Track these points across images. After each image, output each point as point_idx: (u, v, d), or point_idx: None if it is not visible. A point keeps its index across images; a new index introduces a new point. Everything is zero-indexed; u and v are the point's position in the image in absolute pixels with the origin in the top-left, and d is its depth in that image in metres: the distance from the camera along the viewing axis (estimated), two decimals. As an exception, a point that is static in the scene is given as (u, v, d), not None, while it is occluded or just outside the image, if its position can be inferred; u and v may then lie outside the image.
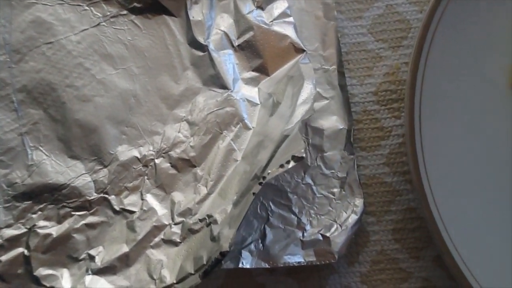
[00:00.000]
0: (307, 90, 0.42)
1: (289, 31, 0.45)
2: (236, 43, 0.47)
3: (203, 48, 0.47)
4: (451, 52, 0.45)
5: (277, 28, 0.45)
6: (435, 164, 0.43)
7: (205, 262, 0.39)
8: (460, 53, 0.46)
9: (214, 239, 0.40)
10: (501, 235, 0.44)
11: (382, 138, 0.48)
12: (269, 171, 0.38)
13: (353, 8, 0.50)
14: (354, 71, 0.50)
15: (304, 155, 0.37)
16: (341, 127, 0.47)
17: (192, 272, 0.40)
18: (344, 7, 0.50)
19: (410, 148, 0.43)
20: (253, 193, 0.38)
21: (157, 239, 0.43)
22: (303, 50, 0.44)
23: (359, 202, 0.46)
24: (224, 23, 0.47)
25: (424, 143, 0.43)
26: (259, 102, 0.45)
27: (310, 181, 0.47)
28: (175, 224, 0.43)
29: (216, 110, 0.45)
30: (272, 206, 0.46)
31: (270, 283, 0.46)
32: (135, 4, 0.48)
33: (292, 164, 0.37)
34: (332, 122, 0.48)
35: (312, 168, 0.47)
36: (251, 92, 0.45)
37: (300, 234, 0.45)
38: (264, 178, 0.38)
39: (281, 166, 0.37)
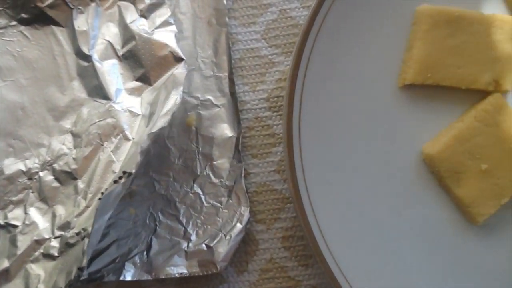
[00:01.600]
0: (172, 101, 0.41)
1: (169, 40, 0.44)
2: (120, 53, 0.46)
3: (87, 58, 0.46)
4: (333, 57, 0.44)
5: (157, 37, 0.45)
6: (313, 171, 0.43)
7: (72, 277, 0.39)
8: (343, 57, 0.45)
9: (84, 253, 0.40)
10: (376, 240, 0.43)
11: (273, 144, 0.48)
12: (106, 187, 0.38)
13: (247, 13, 0.50)
14: (247, 78, 0.49)
15: (133, 170, 0.36)
16: (231, 135, 0.47)
17: (63, 287, 0.40)
18: (238, 13, 0.50)
19: (287, 154, 0.42)
20: (97, 209, 0.38)
21: (37, 254, 0.43)
22: (182, 59, 0.44)
23: (244, 211, 0.45)
24: (109, 32, 0.47)
25: (303, 148, 0.43)
26: (140, 113, 0.44)
27: (199, 190, 0.47)
28: (55, 238, 0.43)
29: (98, 121, 0.45)
30: (161, 217, 0.46)
31: (161, 294, 0.46)
32: (23, 14, 0.48)
33: (124, 179, 0.37)
34: (222, 130, 0.47)
35: (201, 177, 0.47)
36: (134, 103, 0.45)
37: (185, 244, 0.45)
38: (102, 193, 0.38)
39: (115, 181, 0.37)
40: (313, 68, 0.44)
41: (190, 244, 0.45)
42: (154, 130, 0.40)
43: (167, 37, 0.44)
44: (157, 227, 0.46)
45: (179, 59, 0.44)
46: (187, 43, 0.49)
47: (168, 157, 0.47)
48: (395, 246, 0.43)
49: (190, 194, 0.46)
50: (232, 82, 0.48)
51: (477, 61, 0.44)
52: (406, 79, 0.45)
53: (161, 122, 0.40)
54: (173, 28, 0.45)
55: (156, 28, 0.45)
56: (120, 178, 0.37)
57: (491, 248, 0.44)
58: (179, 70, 0.43)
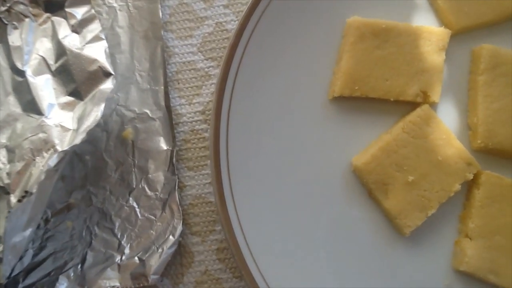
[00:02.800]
0: (92, 118, 0.42)
1: (99, 55, 0.45)
2: (53, 68, 0.47)
3: (21, 73, 0.47)
4: (262, 69, 0.45)
5: (88, 52, 0.45)
6: (240, 184, 0.43)
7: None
8: (273, 69, 0.45)
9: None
10: (305, 253, 0.44)
11: (209, 157, 0.48)
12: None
13: (184, 26, 0.50)
14: (184, 91, 0.49)
15: (34, 190, 0.37)
16: (166, 148, 0.47)
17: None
18: (175, 26, 0.50)
19: (213, 167, 0.43)
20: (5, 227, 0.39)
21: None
22: (111, 74, 0.44)
23: (177, 223, 0.46)
24: (43, 47, 0.47)
25: (231, 161, 0.43)
26: (71, 128, 0.45)
27: (134, 203, 0.47)
28: (-12, 252, 0.44)
29: (31, 136, 0.45)
30: (97, 230, 0.47)
31: (97, 306, 0.47)
32: (-38, 30, 0.48)
33: (26, 199, 0.38)
34: (158, 143, 0.48)
35: (137, 190, 0.47)
36: (66, 117, 0.45)
37: (119, 258, 0.45)
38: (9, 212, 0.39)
39: (19, 200, 0.38)
40: (242, 80, 0.44)
41: (124, 257, 0.45)
42: (66, 148, 0.40)
43: (97, 52, 0.45)
44: (93, 240, 0.46)
45: (107, 74, 0.44)
46: (125, 57, 0.50)
47: (105, 170, 0.48)
48: (324, 258, 0.44)
49: (126, 207, 0.47)
50: (167, 95, 0.48)
51: (404, 72, 0.45)
52: (334, 91, 0.45)
53: (78, 139, 0.40)
54: (104, 43, 0.45)
55: (87, 43, 0.46)
56: (23, 197, 0.37)
57: (420, 259, 0.44)
58: (105, 86, 0.43)
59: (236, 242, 0.42)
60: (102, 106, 0.42)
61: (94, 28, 0.46)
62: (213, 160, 0.42)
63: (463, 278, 0.44)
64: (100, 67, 0.45)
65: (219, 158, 0.43)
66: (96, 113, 0.42)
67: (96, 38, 0.46)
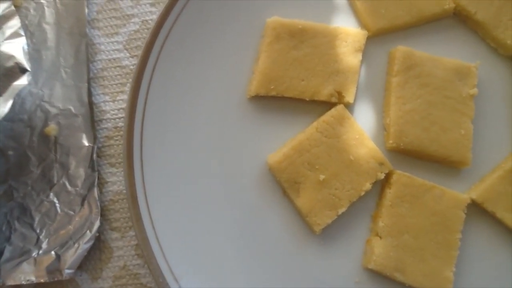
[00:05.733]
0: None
1: (16, 51, 0.45)
2: (-30, 66, 0.47)
3: None
4: (180, 67, 0.45)
5: (5, 48, 0.45)
6: (154, 184, 0.44)
7: None
8: (191, 68, 0.46)
9: None
10: (218, 252, 0.44)
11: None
12: None
13: (110, 24, 0.51)
14: (108, 88, 0.50)
15: None
16: (87, 145, 0.48)
17: None
18: (102, 23, 0.51)
19: (126, 167, 0.43)
20: None
21: None
22: (26, 70, 0.44)
23: (95, 219, 0.46)
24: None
25: (145, 160, 0.44)
26: (-15, 123, 0.45)
27: (54, 199, 0.47)
28: None
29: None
30: (17, 224, 0.47)
31: (16, 301, 0.47)
32: None
33: None
34: (80, 139, 0.48)
35: (58, 186, 0.48)
36: (-17, 115, 0.46)
37: (36, 252, 0.46)
38: None
39: None
40: (159, 77, 0.44)
41: (40, 252, 0.45)
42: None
43: (14, 48, 0.45)
44: (12, 235, 0.46)
45: (24, 70, 0.45)
46: (51, 53, 0.50)
47: (28, 166, 0.48)
48: (236, 255, 0.44)
49: (46, 202, 0.47)
50: (90, 92, 0.48)
51: (320, 73, 0.45)
52: (251, 90, 0.46)
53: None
54: (23, 40, 0.46)
55: (6, 39, 0.46)
56: None
57: (331, 257, 0.45)
58: (19, 82, 0.44)
59: (146, 239, 0.42)
60: (10, 102, 0.42)
61: (14, 24, 0.46)
62: (126, 156, 0.43)
63: (373, 276, 0.44)
64: (16, 63, 0.45)
65: (132, 154, 0.43)
66: (3, 109, 0.42)
67: (15, 35, 0.46)
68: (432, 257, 0.43)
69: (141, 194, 0.43)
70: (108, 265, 0.47)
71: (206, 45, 0.46)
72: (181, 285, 0.42)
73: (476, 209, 0.45)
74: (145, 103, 0.44)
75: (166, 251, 0.43)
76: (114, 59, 0.50)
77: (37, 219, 0.47)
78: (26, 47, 0.45)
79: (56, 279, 0.44)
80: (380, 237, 0.44)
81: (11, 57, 0.45)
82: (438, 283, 0.43)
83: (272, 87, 0.45)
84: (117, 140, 0.49)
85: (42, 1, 0.50)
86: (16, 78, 0.45)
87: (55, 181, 0.48)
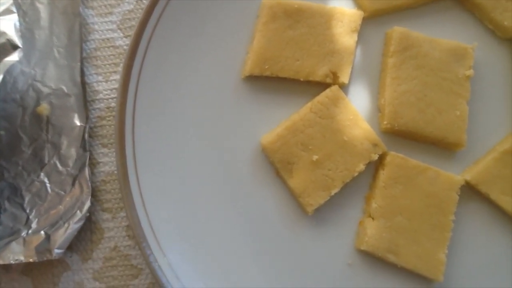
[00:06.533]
0: None
1: (8, 28, 0.45)
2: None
3: None
4: (174, 46, 0.45)
5: (-3, 25, 0.45)
6: (146, 166, 0.43)
7: None
8: (185, 47, 0.45)
9: None
10: (211, 233, 0.44)
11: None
12: None
13: (104, 3, 0.50)
14: (102, 68, 0.49)
15: None
16: (79, 124, 0.47)
17: None
18: (96, 3, 0.50)
19: (118, 147, 0.43)
20: None
21: None
22: (18, 47, 0.44)
23: (86, 199, 0.46)
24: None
25: (137, 141, 0.43)
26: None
27: (45, 179, 0.47)
28: None
29: None
30: (7, 204, 0.46)
31: (6, 281, 0.47)
32: None
33: None
34: (72, 119, 0.48)
35: (49, 166, 0.47)
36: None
37: (25, 232, 0.45)
38: None
39: None
40: (152, 57, 0.44)
41: (30, 232, 0.45)
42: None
43: (6, 25, 0.45)
44: (1, 215, 0.46)
45: (15, 47, 0.44)
46: (44, 33, 0.49)
47: (19, 146, 0.47)
48: (229, 235, 0.44)
49: (36, 182, 0.47)
50: (83, 72, 0.48)
51: (315, 53, 0.45)
52: (245, 70, 0.45)
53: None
54: (14, 16, 0.45)
55: (-2, 16, 0.46)
56: None
57: (324, 238, 0.44)
58: (10, 58, 0.43)
59: (137, 219, 0.42)
60: (0, 77, 0.42)
61: (5, 1, 0.45)
62: (118, 136, 0.42)
63: (365, 258, 0.44)
64: (8, 40, 0.44)
65: (124, 134, 0.43)
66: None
67: (7, 11, 0.45)
68: (425, 238, 0.43)
69: (132, 174, 0.42)
70: (99, 246, 0.47)
71: (200, 25, 0.46)
72: (172, 266, 0.42)
73: (470, 191, 0.45)
74: (138, 83, 0.43)
75: (157, 232, 0.42)
76: (107, 39, 0.50)
77: (27, 199, 0.47)
78: (18, 24, 0.45)
79: (45, 258, 0.44)
80: (373, 218, 0.43)
81: (2, 33, 0.45)
82: (430, 264, 0.42)
83: (266, 67, 0.45)
84: (109, 120, 0.49)
85: (35, -20, 0.50)
86: (7, 54, 0.44)
87: (46, 161, 0.47)
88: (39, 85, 0.48)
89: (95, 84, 0.49)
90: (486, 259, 0.44)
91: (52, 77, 0.49)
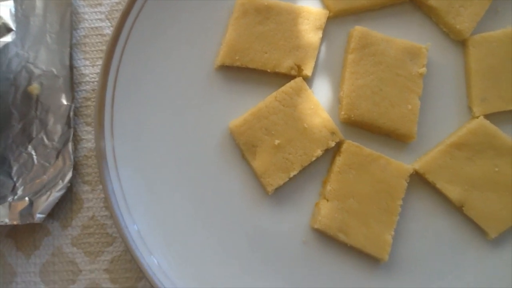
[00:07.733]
0: None
1: (4, 13, 0.49)
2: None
3: None
4: (152, 38, 0.49)
5: (-6, 9, 0.50)
6: (124, 152, 0.47)
7: None
8: (162, 41, 0.50)
9: None
10: (182, 216, 0.48)
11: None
12: None
13: (95, -6, 0.55)
14: (89, 53, 0.54)
15: None
16: (66, 104, 0.52)
17: None
18: (87, -6, 0.55)
19: (97, 136, 0.47)
20: None
21: None
22: (11, 30, 0.49)
23: (68, 170, 0.50)
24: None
25: (115, 127, 0.47)
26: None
27: (32, 151, 0.51)
28: None
29: None
30: (-5, 173, 0.51)
31: (-8, 243, 0.51)
32: None
33: None
34: (59, 99, 0.52)
35: (36, 140, 0.52)
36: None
37: (11, 197, 0.50)
38: None
39: None
40: (132, 46, 0.48)
41: (15, 197, 0.49)
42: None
43: (2, 10, 0.49)
44: (-10, 182, 0.51)
45: (10, 30, 0.49)
46: (38, 20, 0.54)
47: (10, 121, 0.52)
48: (196, 210, 0.48)
49: (24, 154, 0.51)
50: (71, 57, 0.52)
51: (282, 47, 0.49)
52: (218, 60, 0.49)
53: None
54: (10, 3, 0.50)
55: (-5, 2, 0.50)
56: None
57: (282, 216, 0.48)
58: (3, 39, 0.48)
59: (112, 193, 0.46)
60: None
61: (4, -11, 0.50)
62: (97, 113, 0.47)
63: (318, 237, 0.48)
64: (3, 23, 0.49)
65: (104, 112, 0.47)
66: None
67: (5, -2, 0.50)
68: (374, 221, 0.46)
69: (109, 151, 0.47)
70: (78, 215, 0.51)
71: (179, 19, 0.50)
72: (142, 236, 0.46)
73: (419, 180, 0.48)
74: (118, 67, 0.48)
75: (130, 204, 0.46)
76: (96, 27, 0.54)
77: (15, 168, 0.51)
78: (13, 9, 0.49)
79: (28, 222, 0.48)
80: (327, 200, 0.47)
81: (-1, 17, 0.49)
82: (377, 245, 0.46)
83: (237, 58, 0.49)
84: (94, 101, 0.53)
85: (32, -30, 0.55)
86: (1, 36, 0.49)
87: (34, 135, 0.52)
88: (31, 66, 0.53)
89: (82, 68, 0.53)
90: (430, 242, 0.48)
91: (44, 60, 0.53)
